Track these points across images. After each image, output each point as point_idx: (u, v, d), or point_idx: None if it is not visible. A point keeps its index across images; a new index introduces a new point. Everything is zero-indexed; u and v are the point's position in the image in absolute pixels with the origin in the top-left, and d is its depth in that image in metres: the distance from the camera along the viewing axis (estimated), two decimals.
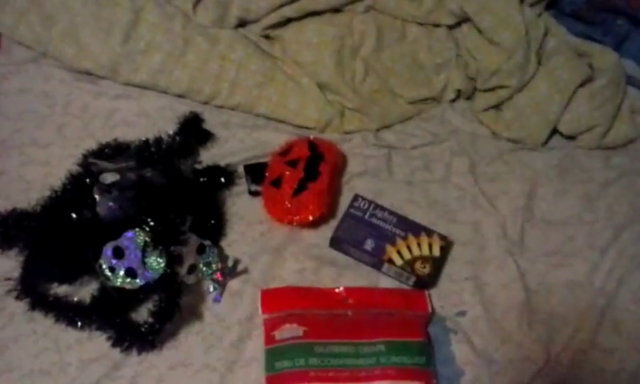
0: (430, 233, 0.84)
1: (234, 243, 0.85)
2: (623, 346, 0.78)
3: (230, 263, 0.83)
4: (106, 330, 0.75)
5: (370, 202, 0.87)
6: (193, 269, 0.79)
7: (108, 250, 0.75)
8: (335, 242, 0.85)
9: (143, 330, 0.74)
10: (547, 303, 0.81)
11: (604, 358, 0.77)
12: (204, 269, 0.80)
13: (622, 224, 0.90)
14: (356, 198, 0.87)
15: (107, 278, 0.75)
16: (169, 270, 0.76)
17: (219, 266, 0.80)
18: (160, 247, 0.76)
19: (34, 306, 0.76)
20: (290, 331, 0.74)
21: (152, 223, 0.77)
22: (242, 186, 0.89)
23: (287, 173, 0.85)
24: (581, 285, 0.83)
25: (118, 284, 0.75)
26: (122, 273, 0.75)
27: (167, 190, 0.82)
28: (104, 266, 0.75)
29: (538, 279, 0.84)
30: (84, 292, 0.77)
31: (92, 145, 0.86)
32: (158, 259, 0.75)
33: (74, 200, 0.80)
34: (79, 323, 0.76)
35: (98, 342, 0.75)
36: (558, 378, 0.75)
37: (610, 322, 0.80)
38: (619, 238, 0.88)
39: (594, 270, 0.85)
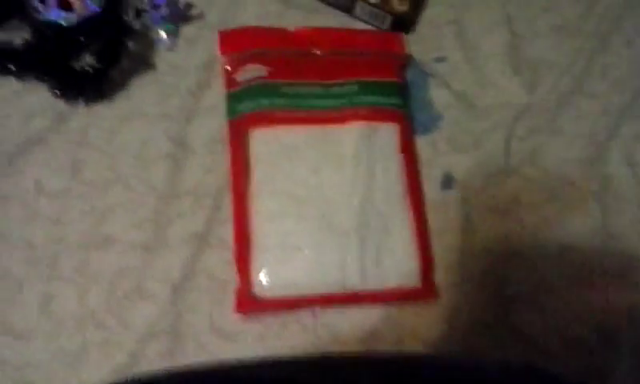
0: None
1: None
2: (609, 90, 0.73)
3: (181, 6, 0.72)
4: (47, 79, 0.67)
5: None
6: (140, 12, 0.69)
7: None
8: None
9: (89, 74, 0.66)
10: (533, 48, 0.75)
11: (588, 102, 0.73)
12: (152, 11, 0.70)
13: None
14: None
15: (38, 11, 0.65)
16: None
17: (169, 7, 0.70)
18: None
19: None
20: (253, 71, 0.67)
21: None
22: None
23: None
24: (571, 28, 0.76)
25: (52, 18, 0.65)
26: (54, 3, 0.64)
27: None
28: None
29: (526, 24, 0.76)
30: (16, 39, 0.67)
31: None
32: None
33: None
34: (14, 71, 0.67)
35: (39, 95, 0.67)
36: (538, 122, 0.71)
37: (598, 67, 0.74)
38: None
39: (587, 12, 0.77)
